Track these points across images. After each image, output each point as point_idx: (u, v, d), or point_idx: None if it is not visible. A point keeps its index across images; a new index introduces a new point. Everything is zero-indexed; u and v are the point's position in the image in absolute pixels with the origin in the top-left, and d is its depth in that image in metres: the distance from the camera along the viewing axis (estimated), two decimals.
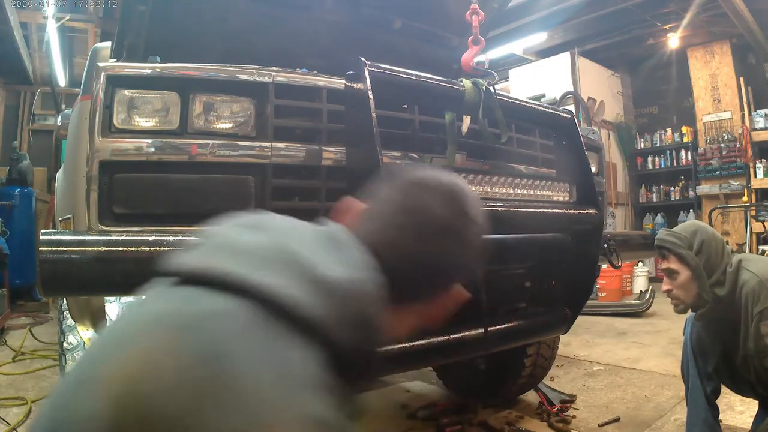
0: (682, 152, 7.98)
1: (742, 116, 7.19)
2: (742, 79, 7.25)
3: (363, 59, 1.43)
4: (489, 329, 1.73)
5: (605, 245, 2.01)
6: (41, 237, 1.11)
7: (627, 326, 4.91)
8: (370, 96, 1.40)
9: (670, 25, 7.17)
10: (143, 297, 0.63)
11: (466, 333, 1.69)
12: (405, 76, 1.56)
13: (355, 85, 1.46)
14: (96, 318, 1.70)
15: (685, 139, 7.91)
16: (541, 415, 2.61)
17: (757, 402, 2.06)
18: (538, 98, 7.02)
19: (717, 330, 1.94)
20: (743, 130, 7.07)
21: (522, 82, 8.06)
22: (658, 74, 8.42)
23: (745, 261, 1.81)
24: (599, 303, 5.73)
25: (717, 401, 2.03)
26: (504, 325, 1.85)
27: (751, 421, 2.15)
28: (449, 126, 1.71)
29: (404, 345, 1.55)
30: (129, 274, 1.11)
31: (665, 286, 1.91)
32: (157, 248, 1.15)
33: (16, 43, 6.56)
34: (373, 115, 1.38)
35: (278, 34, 2.55)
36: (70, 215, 1.68)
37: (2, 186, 6.32)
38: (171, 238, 1.18)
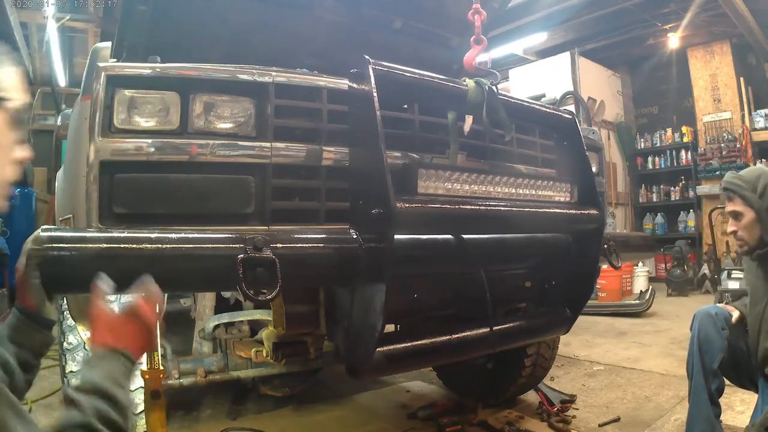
0: (682, 152, 7.98)
1: (742, 116, 7.19)
2: (742, 79, 7.25)
3: (367, 57, 1.43)
4: (491, 329, 1.72)
5: (605, 246, 2.01)
6: (41, 233, 1.11)
7: (627, 326, 4.91)
8: (375, 95, 1.39)
9: (670, 25, 7.17)
10: None
11: (468, 333, 1.69)
12: (409, 75, 1.55)
13: (358, 84, 1.46)
14: None
15: (685, 139, 7.91)
16: (541, 415, 2.61)
17: (754, 400, 2.07)
18: (538, 98, 7.02)
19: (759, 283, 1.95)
20: (743, 130, 7.07)
21: (522, 82, 8.06)
22: (658, 74, 8.42)
23: None
24: (599, 303, 5.73)
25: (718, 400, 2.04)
26: (505, 325, 1.85)
27: None
28: (452, 125, 1.71)
29: (406, 345, 1.55)
30: (132, 271, 1.10)
31: (731, 228, 1.96)
32: (159, 245, 1.14)
33: (16, 43, 6.56)
34: (378, 114, 1.37)
35: (278, 34, 2.55)
36: (71, 215, 1.68)
37: None
38: (173, 236, 1.18)
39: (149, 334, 0.98)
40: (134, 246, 1.12)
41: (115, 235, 1.14)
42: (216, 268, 1.21)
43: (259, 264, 1.20)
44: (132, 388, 0.96)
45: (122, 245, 1.11)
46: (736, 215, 1.92)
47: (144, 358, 1.81)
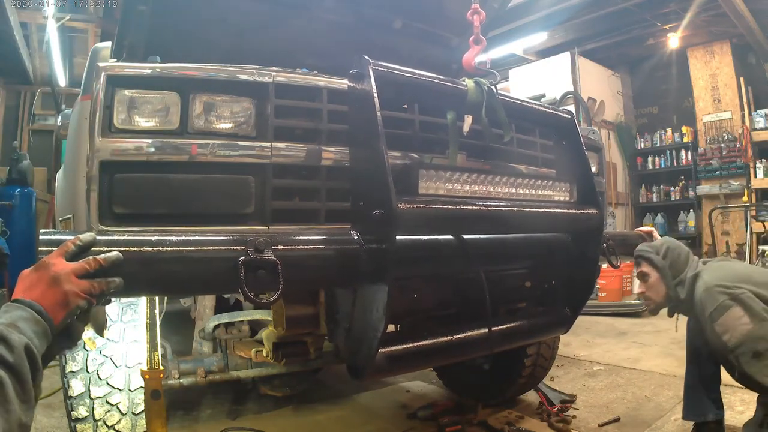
0: (682, 152, 7.97)
1: (742, 116, 7.19)
2: (742, 79, 7.24)
3: (367, 57, 1.42)
4: (491, 329, 1.72)
5: (604, 245, 2.01)
6: (40, 236, 1.11)
7: (627, 326, 4.91)
8: (375, 95, 1.39)
9: (670, 25, 7.17)
10: None
11: (469, 333, 1.69)
12: (409, 75, 1.55)
13: (359, 85, 1.46)
14: (96, 318, 1.70)
15: (685, 139, 7.91)
16: (541, 415, 2.61)
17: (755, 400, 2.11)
18: (538, 98, 7.02)
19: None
20: (743, 130, 7.07)
21: (522, 82, 8.06)
22: (658, 74, 8.42)
23: (704, 270, 2.03)
24: (599, 303, 5.73)
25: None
26: (506, 326, 1.85)
27: None
28: (451, 125, 1.71)
29: (408, 345, 1.55)
30: (131, 274, 1.10)
31: (639, 290, 2.21)
32: (160, 248, 1.14)
33: (16, 43, 6.54)
34: (378, 114, 1.37)
35: (278, 34, 2.55)
36: (70, 215, 1.68)
37: (2, 186, 6.31)
38: (174, 238, 1.18)
39: (59, 285, 0.96)
40: (134, 249, 1.12)
41: (115, 238, 1.13)
42: (217, 270, 1.20)
43: (260, 266, 1.20)
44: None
45: (122, 248, 1.09)
46: (643, 276, 2.15)
47: (144, 357, 1.81)
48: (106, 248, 1.08)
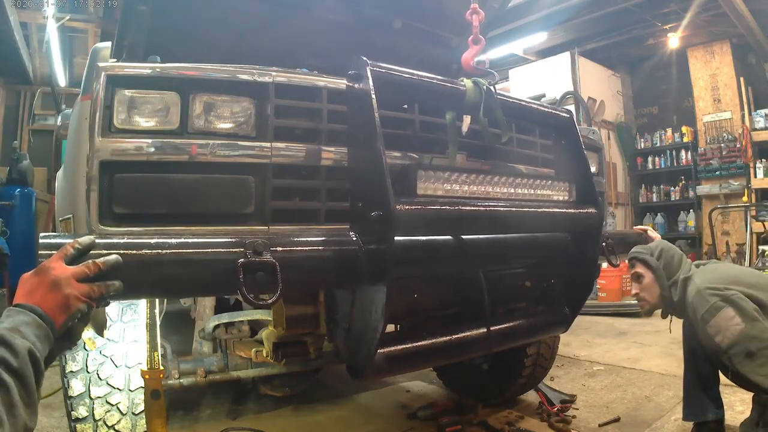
0: (682, 152, 7.97)
1: (742, 116, 7.19)
2: (742, 79, 7.24)
3: (365, 59, 1.43)
4: (490, 329, 1.72)
5: (604, 244, 2.02)
6: (40, 240, 1.10)
7: (627, 326, 4.91)
8: (373, 96, 1.39)
9: (670, 25, 7.17)
10: None
11: (468, 333, 1.69)
12: (407, 75, 1.55)
13: (357, 85, 1.46)
14: (96, 319, 1.70)
15: (685, 139, 7.91)
16: (541, 415, 2.61)
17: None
18: (538, 98, 7.02)
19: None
20: (743, 130, 7.07)
21: (522, 82, 8.06)
22: (658, 74, 8.42)
23: (695, 273, 2.05)
24: (599, 303, 5.73)
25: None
26: (505, 325, 1.85)
27: None
28: (450, 126, 1.71)
29: (408, 345, 1.55)
30: (131, 277, 1.10)
31: (634, 290, 2.21)
32: (159, 251, 1.14)
33: (16, 43, 6.55)
34: (376, 115, 1.37)
35: (278, 34, 2.55)
36: (71, 215, 1.68)
37: (2, 186, 6.31)
38: (173, 241, 1.18)
39: (59, 289, 0.96)
40: (133, 251, 1.11)
41: (114, 240, 1.13)
42: (216, 273, 1.20)
43: (259, 268, 1.20)
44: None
45: (121, 251, 1.09)
46: (638, 277, 2.15)
47: (144, 357, 1.81)
48: (105, 251, 1.08)
